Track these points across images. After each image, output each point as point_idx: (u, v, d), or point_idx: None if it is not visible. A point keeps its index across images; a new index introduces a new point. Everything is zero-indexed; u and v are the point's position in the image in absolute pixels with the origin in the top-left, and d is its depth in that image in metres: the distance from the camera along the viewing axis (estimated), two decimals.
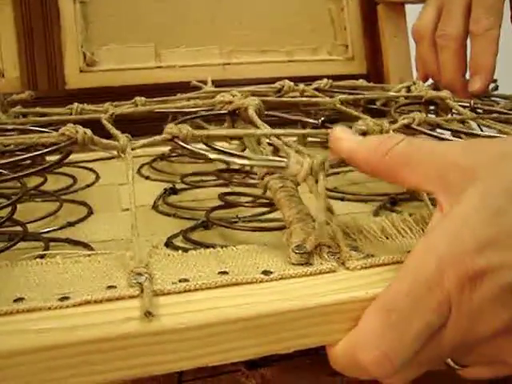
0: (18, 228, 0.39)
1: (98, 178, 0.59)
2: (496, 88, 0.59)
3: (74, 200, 0.50)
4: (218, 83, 0.61)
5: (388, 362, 0.25)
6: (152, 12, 0.80)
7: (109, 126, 0.35)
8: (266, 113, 0.39)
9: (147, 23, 0.80)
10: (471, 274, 0.24)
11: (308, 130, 0.34)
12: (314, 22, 0.89)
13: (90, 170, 0.61)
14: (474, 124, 0.41)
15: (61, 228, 0.43)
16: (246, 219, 0.42)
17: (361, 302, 0.26)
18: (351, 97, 0.43)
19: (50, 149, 0.29)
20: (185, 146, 0.31)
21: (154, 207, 0.48)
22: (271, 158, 0.33)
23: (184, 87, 0.62)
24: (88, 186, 0.56)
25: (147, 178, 0.59)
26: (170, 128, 0.32)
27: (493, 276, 0.24)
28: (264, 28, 0.86)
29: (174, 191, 0.51)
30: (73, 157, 0.57)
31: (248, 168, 0.46)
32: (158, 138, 0.32)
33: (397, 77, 0.84)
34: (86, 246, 0.38)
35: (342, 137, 0.30)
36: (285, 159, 0.30)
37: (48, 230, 0.42)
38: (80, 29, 0.78)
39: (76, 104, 0.45)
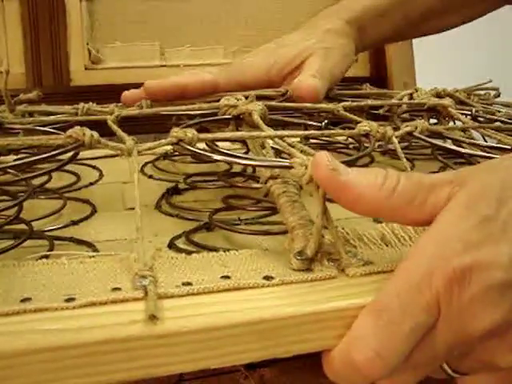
0: (23, 226, 0.39)
1: (101, 175, 0.59)
2: (498, 95, 0.59)
3: (77, 198, 0.51)
4: None
5: (380, 361, 0.25)
6: (157, 11, 0.81)
7: (115, 127, 0.36)
8: (269, 117, 0.39)
9: (152, 22, 0.81)
10: (458, 273, 0.25)
11: (312, 132, 0.35)
12: None
13: (94, 167, 0.62)
14: (475, 133, 0.41)
15: (65, 226, 0.43)
16: (248, 221, 0.42)
17: (359, 309, 0.26)
18: (354, 104, 0.44)
19: (58, 151, 0.30)
20: (191, 148, 0.32)
21: (157, 207, 0.48)
22: (275, 159, 0.34)
23: None
24: (91, 183, 0.57)
25: (150, 176, 0.59)
26: (176, 132, 0.32)
27: (481, 274, 0.25)
28: (269, 28, 0.87)
29: (177, 191, 0.52)
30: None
31: (250, 171, 0.47)
32: (163, 141, 0.32)
33: (400, 81, 0.85)
34: (90, 245, 0.38)
35: (335, 167, 0.27)
36: (289, 160, 0.30)
37: (52, 228, 0.42)
38: (86, 26, 0.78)
39: (82, 104, 0.45)
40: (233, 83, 0.51)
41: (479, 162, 0.37)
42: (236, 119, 0.39)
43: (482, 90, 0.58)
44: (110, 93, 0.81)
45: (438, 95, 0.53)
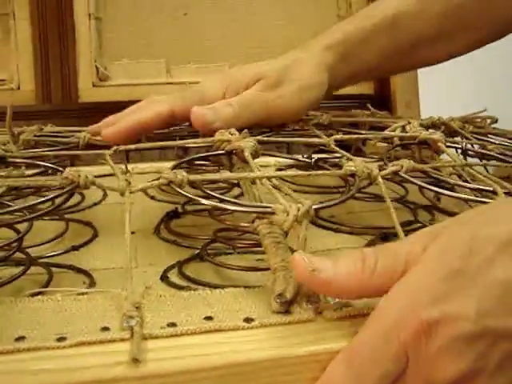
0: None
1: (105, 195, 0.61)
2: (495, 122, 0.60)
3: (80, 220, 0.53)
4: None
5: None
6: (163, 29, 0.83)
7: (111, 163, 0.37)
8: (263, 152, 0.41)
9: (159, 40, 0.83)
10: (425, 325, 0.26)
11: (300, 173, 0.37)
12: None
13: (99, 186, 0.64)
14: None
15: (65, 252, 0.45)
16: (242, 251, 0.44)
17: (335, 353, 0.28)
18: (346, 137, 0.45)
19: (54, 195, 0.32)
20: (180, 191, 0.33)
21: (156, 232, 0.50)
22: (260, 204, 0.35)
23: None
24: (95, 204, 0.59)
25: (152, 197, 0.61)
26: (167, 173, 0.34)
27: (447, 326, 0.26)
28: (274, 45, 0.88)
29: (176, 215, 0.54)
30: (82, 170, 0.60)
31: None
32: (155, 182, 0.34)
33: (403, 99, 0.86)
34: (87, 274, 0.40)
35: (314, 267, 0.28)
36: (273, 205, 0.32)
37: (53, 254, 0.44)
38: (94, 44, 0.80)
39: (83, 134, 0.47)
40: (190, 109, 0.48)
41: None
42: (229, 154, 0.40)
43: (478, 118, 0.59)
44: (117, 109, 0.83)
45: (433, 124, 0.54)
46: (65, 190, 0.32)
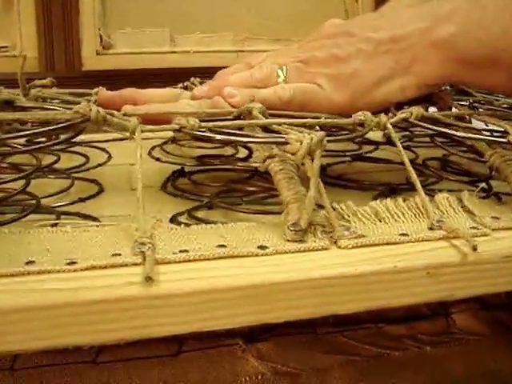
0: (32, 201, 0.41)
1: (110, 157, 0.61)
2: None
3: (85, 178, 0.52)
4: None
5: None
6: None
7: (121, 116, 0.36)
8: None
9: (163, 8, 0.82)
10: None
11: (308, 120, 0.36)
12: (328, 12, 0.91)
13: (103, 150, 0.63)
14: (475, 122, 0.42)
15: (72, 203, 0.45)
16: (250, 202, 0.43)
17: (349, 278, 0.27)
18: None
19: (64, 124, 0.31)
20: (192, 132, 0.33)
21: (163, 188, 0.49)
22: (273, 135, 0.34)
23: (197, 72, 0.64)
24: (100, 165, 0.58)
25: (157, 159, 0.60)
26: (179, 119, 0.33)
27: None
28: (278, 17, 0.87)
29: (182, 174, 0.53)
30: (86, 137, 0.60)
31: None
32: (167, 126, 0.33)
33: None
34: (94, 219, 0.40)
35: None
36: (286, 136, 0.32)
37: (60, 204, 0.44)
38: (98, 12, 0.79)
39: (93, 98, 0.47)
40: None
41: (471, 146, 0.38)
42: (238, 119, 0.40)
43: None
44: (120, 77, 0.82)
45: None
46: (75, 121, 0.31)
